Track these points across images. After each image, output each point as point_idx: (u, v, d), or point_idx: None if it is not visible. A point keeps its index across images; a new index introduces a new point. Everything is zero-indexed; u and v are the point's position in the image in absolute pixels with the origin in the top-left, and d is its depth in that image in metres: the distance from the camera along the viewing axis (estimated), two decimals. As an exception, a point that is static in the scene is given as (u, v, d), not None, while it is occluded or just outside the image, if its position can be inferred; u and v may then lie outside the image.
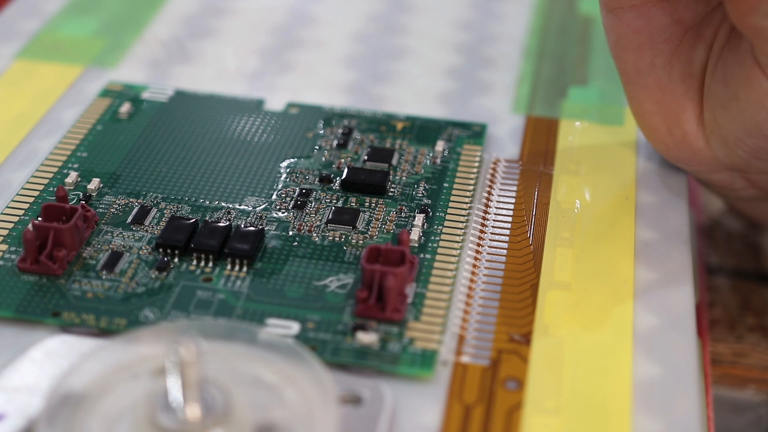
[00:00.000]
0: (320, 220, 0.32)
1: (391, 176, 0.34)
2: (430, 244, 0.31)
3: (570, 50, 0.42)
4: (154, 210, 0.32)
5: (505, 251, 0.31)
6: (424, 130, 0.36)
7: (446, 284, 0.29)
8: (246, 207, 0.32)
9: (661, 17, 0.31)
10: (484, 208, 0.33)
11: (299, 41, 0.43)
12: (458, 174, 0.34)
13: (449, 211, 0.32)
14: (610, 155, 0.35)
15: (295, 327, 0.28)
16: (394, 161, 0.34)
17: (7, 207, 0.32)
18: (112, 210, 0.32)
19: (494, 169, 0.34)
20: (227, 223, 0.31)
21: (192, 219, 0.31)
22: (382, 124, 0.36)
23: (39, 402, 0.24)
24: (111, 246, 0.30)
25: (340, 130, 0.36)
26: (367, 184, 0.33)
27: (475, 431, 0.25)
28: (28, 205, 0.32)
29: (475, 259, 0.30)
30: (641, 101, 0.32)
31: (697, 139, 0.32)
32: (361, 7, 0.46)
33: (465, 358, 0.27)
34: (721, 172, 0.33)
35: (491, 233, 0.32)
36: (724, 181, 0.33)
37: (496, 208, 0.33)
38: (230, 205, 0.32)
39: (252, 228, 0.31)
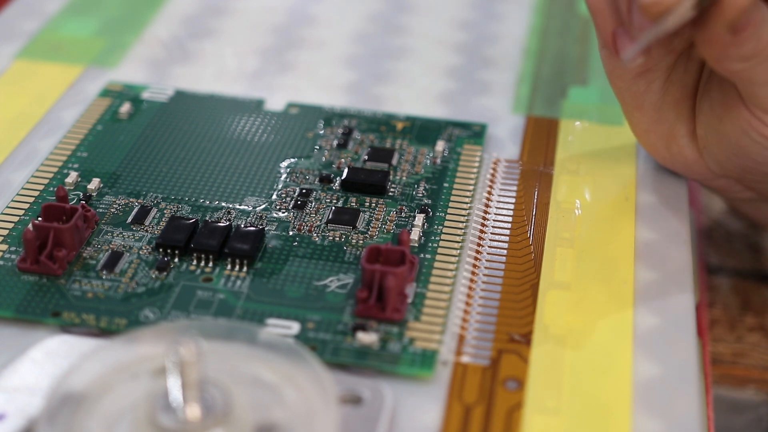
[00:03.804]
0: (320, 220, 0.32)
1: (391, 176, 0.34)
2: (430, 244, 0.31)
3: (570, 50, 0.42)
4: (154, 210, 0.32)
5: (505, 251, 0.31)
6: (424, 130, 0.36)
7: (446, 284, 0.29)
8: (246, 207, 0.32)
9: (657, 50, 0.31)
10: (484, 208, 0.33)
11: (299, 41, 0.43)
12: (458, 174, 0.34)
13: (449, 211, 0.32)
14: (610, 155, 0.35)
15: (295, 327, 0.28)
16: (394, 161, 0.34)
17: (7, 207, 0.32)
18: (112, 210, 0.32)
19: (494, 169, 0.34)
20: (227, 223, 0.31)
21: (192, 219, 0.31)
22: (382, 124, 0.36)
23: (39, 402, 0.24)
24: (111, 246, 0.30)
25: (340, 130, 0.36)
26: (367, 184, 0.33)
27: (475, 431, 0.25)
28: (28, 205, 0.32)
29: (475, 259, 0.30)
30: (638, 122, 0.33)
31: (692, 152, 0.33)
32: (361, 7, 0.46)
33: (465, 358, 0.27)
34: (718, 180, 0.33)
35: (491, 233, 0.32)
36: (722, 186, 0.34)
37: (496, 208, 0.33)
38: (230, 205, 0.32)
39: (252, 228, 0.31)
